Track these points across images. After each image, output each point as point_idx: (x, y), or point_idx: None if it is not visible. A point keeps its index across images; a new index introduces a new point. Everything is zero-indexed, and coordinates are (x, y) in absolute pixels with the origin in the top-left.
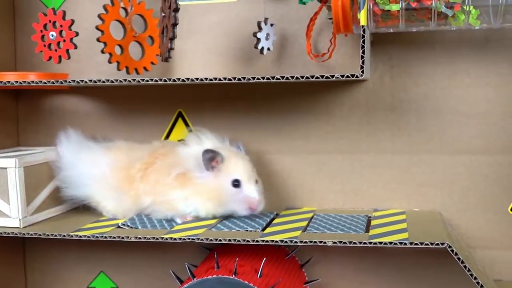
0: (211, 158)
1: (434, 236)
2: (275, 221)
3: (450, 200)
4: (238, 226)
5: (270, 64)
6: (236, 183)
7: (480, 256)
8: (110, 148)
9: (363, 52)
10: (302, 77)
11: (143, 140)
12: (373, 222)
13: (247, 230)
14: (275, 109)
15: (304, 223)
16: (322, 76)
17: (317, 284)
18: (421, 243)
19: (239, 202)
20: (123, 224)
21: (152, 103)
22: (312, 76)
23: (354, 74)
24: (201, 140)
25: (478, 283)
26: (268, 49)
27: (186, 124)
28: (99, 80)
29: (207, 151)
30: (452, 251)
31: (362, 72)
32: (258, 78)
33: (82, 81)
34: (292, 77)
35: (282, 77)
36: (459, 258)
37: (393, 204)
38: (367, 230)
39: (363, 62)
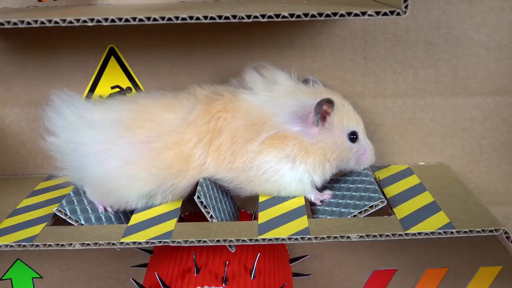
0: (324, 110)
1: (477, 215)
2: (263, 197)
3: (461, 151)
4: (218, 209)
5: None
6: (354, 136)
7: (492, 213)
8: (135, 118)
9: None
10: (321, 14)
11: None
12: (388, 191)
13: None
14: (242, 42)
15: (303, 199)
16: (349, 14)
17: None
18: (471, 231)
19: (360, 157)
20: (59, 210)
21: (73, 38)
22: (335, 14)
23: (395, 11)
24: (272, 80)
25: None
26: None
27: (121, 64)
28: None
29: (327, 101)
30: (508, 237)
31: (406, 7)
32: (228, 17)
33: None
34: (306, 15)
35: (277, 15)
36: None
37: (394, 158)
38: (388, 204)
39: None
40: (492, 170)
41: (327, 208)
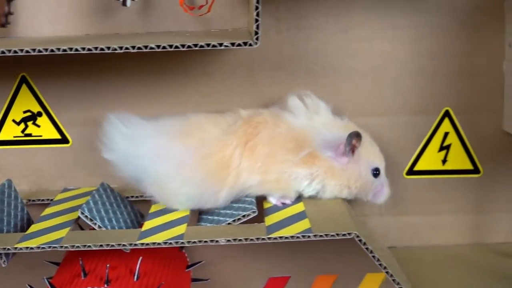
0: (353, 144)
1: (338, 222)
2: (155, 207)
3: None
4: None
5: (135, 16)
6: (376, 172)
7: (374, 224)
8: (186, 129)
9: (258, 15)
10: (183, 45)
11: None
12: (267, 203)
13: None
14: (142, 70)
15: (188, 211)
16: (208, 45)
17: (201, 266)
18: (327, 235)
19: (378, 192)
20: (83, 213)
21: None
22: (196, 45)
23: (247, 42)
24: (312, 109)
25: (387, 272)
26: None
27: (32, 90)
28: None
29: (356, 134)
30: (360, 240)
31: (257, 39)
32: (124, 48)
33: None
34: (171, 46)
35: (146, 47)
36: (367, 248)
37: None
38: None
39: (257, 27)
40: None
41: (209, 217)
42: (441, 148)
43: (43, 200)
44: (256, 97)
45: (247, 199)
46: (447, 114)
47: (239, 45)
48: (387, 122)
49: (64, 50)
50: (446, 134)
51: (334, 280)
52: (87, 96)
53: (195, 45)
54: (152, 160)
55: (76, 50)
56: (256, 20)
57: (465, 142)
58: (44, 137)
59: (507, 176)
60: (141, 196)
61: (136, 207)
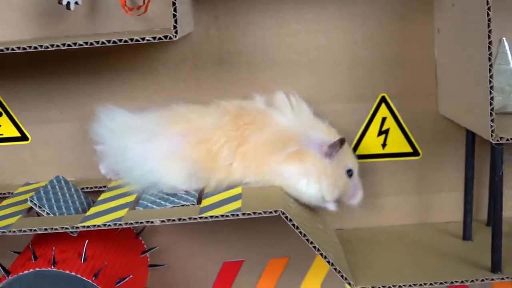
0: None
1: (268, 202)
2: (104, 195)
3: None
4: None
5: (83, 19)
6: (350, 173)
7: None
8: (171, 119)
9: (175, 10)
10: (109, 41)
11: None
12: (206, 190)
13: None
14: (91, 70)
15: (134, 197)
16: (132, 40)
17: (157, 252)
18: (254, 213)
19: (352, 193)
20: (32, 200)
21: None
22: (120, 40)
23: (167, 36)
24: (298, 108)
25: (314, 247)
26: (76, 3)
27: None
28: None
29: (341, 141)
30: (287, 217)
31: (176, 32)
32: (58, 46)
33: None
34: (97, 42)
35: (75, 44)
36: (293, 224)
37: None
38: (199, 197)
39: (175, 22)
40: None
41: (152, 198)
42: (380, 132)
43: (4, 194)
44: (200, 91)
45: (191, 192)
46: (383, 100)
47: (160, 38)
48: (326, 110)
49: (24, 49)
50: (384, 119)
51: (287, 263)
52: (44, 96)
53: (120, 40)
54: (137, 155)
55: (35, 48)
56: (174, 15)
57: (403, 126)
58: (5, 135)
59: (446, 157)
60: (95, 187)
61: (90, 197)
